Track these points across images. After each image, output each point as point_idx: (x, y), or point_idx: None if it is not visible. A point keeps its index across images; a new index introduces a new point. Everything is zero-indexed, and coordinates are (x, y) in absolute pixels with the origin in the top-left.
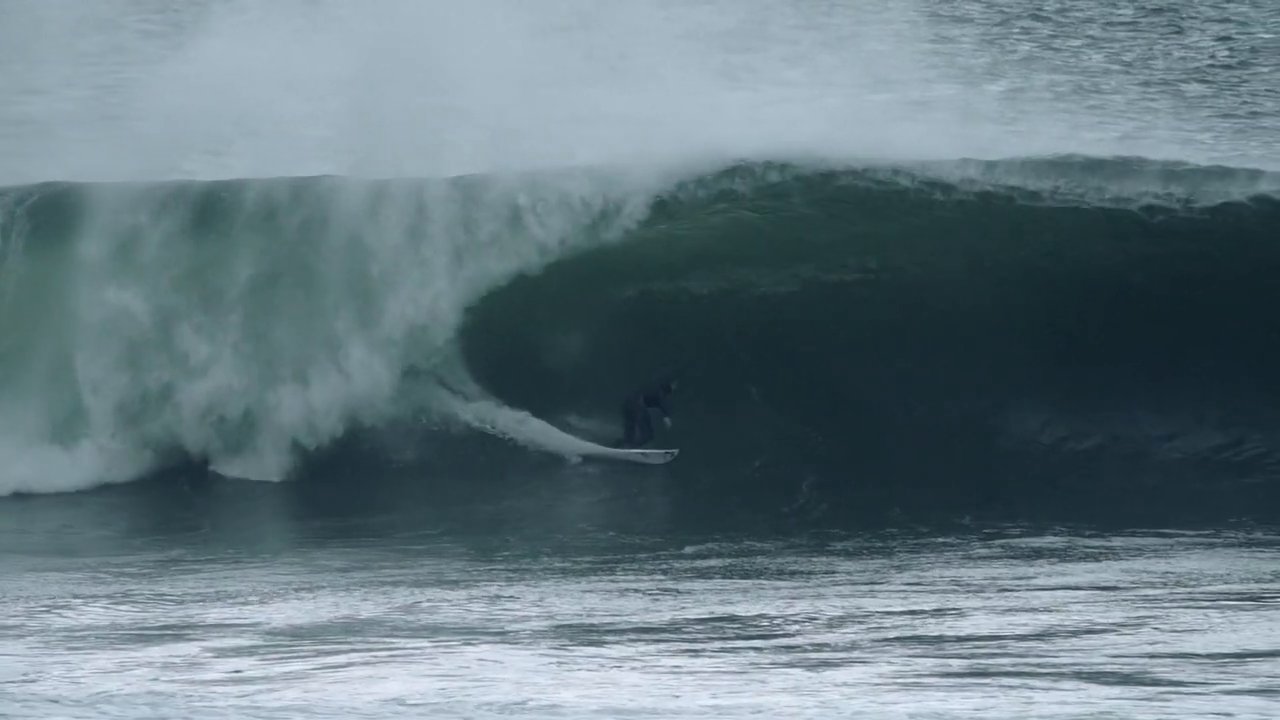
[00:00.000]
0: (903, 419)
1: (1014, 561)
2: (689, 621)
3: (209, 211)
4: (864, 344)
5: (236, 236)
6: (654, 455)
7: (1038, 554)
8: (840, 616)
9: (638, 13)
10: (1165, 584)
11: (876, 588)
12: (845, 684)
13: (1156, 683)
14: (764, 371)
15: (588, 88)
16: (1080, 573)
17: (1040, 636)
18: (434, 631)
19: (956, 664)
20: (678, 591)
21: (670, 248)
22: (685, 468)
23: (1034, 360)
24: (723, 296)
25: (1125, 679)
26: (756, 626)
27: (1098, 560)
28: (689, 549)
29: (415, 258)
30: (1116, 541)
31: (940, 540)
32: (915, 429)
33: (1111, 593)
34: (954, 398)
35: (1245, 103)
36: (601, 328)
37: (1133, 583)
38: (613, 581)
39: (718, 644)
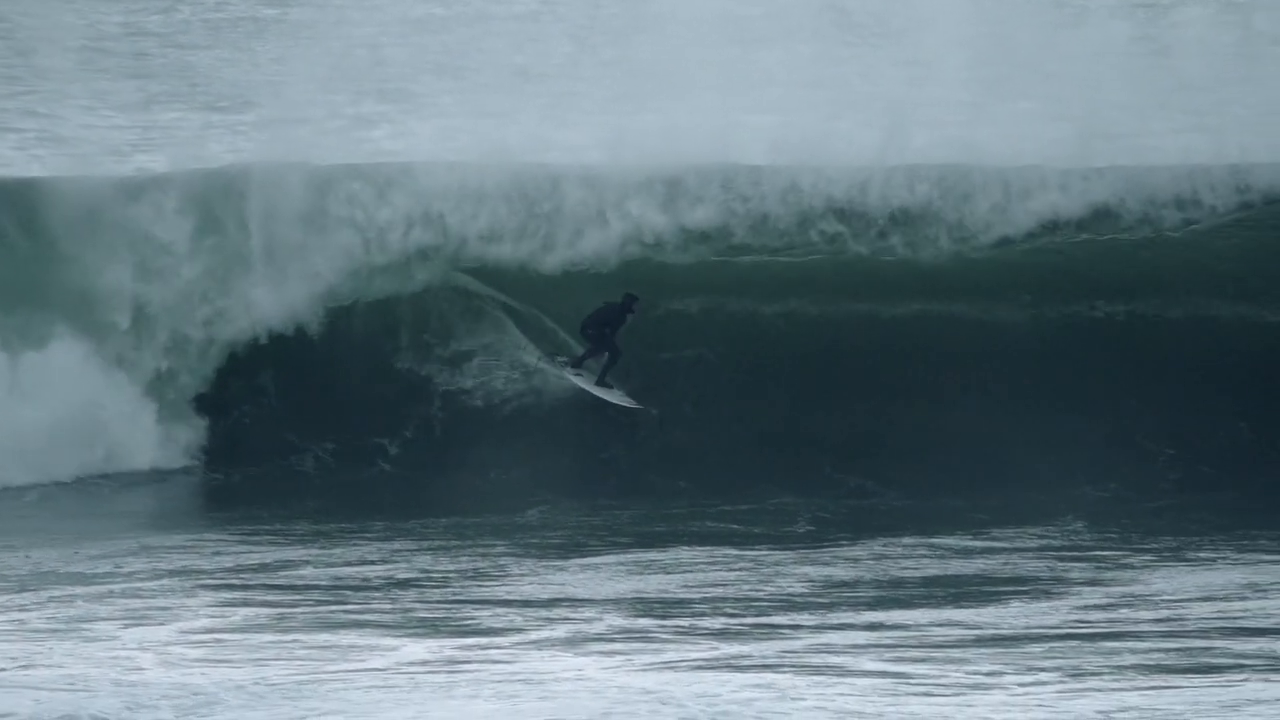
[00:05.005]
0: (359, 374)
1: (361, 512)
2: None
3: None
4: None
5: None
6: (623, 398)
7: (387, 503)
8: (172, 571)
9: None
10: (505, 537)
11: (246, 538)
12: (149, 643)
13: (465, 634)
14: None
15: None
16: (437, 527)
17: (383, 588)
18: None
19: (303, 615)
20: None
21: None
22: None
23: None
24: None
25: (435, 626)
26: (89, 581)
27: (462, 513)
28: (28, 495)
29: None
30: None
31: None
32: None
33: (456, 545)
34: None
35: None
36: None
37: (476, 534)
38: None
39: (78, 601)
